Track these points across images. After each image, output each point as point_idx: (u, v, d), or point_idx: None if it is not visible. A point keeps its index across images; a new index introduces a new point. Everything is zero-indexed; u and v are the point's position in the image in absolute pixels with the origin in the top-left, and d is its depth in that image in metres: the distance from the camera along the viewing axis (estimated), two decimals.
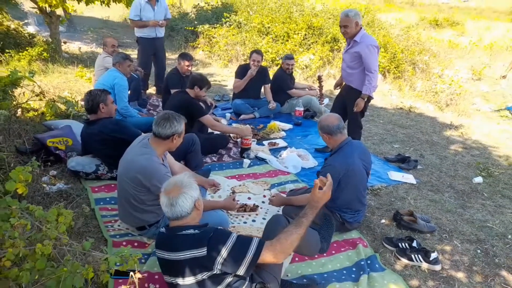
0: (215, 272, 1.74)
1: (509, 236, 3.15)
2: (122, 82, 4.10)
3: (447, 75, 8.32)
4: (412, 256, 2.72)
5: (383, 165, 4.34)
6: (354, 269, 2.60)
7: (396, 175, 4.04)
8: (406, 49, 9.33)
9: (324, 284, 2.41)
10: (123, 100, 4.11)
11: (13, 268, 1.59)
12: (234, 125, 5.02)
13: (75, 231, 2.49)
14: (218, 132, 4.46)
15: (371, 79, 3.67)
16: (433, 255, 2.70)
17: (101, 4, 7.02)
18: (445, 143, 5.38)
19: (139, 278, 1.90)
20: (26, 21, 8.86)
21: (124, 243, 2.53)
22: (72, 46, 9.35)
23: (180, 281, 1.80)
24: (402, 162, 4.40)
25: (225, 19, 9.98)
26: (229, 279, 1.82)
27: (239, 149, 4.27)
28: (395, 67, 8.72)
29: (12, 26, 7.33)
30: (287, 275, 2.48)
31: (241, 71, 5.58)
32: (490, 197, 3.84)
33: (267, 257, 1.78)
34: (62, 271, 1.56)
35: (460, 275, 2.65)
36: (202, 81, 4.09)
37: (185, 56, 4.99)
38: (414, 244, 2.82)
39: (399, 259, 2.75)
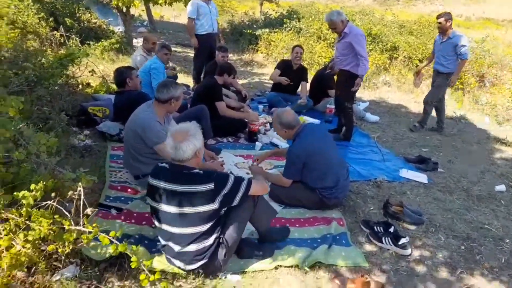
0: (215, 206, 2.03)
1: (507, 241, 2.95)
2: (157, 67, 4.64)
3: None
4: (383, 239, 2.74)
5: (399, 163, 4.27)
6: (319, 240, 2.70)
7: (406, 173, 3.96)
8: (474, 61, 8.75)
9: (280, 246, 2.58)
10: (157, 80, 4.68)
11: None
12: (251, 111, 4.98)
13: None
14: None
15: (364, 62, 4.23)
16: (403, 240, 2.69)
17: (164, 5, 7.88)
18: (486, 154, 5.02)
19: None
20: (111, 19, 10.17)
21: (119, 187, 2.97)
22: None
23: (174, 209, 2.02)
24: (421, 163, 4.27)
25: (285, 24, 10.36)
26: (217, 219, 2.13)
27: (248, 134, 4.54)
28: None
29: (98, 23, 8.56)
30: (252, 235, 2.68)
31: (282, 64, 5.97)
32: (506, 205, 3.58)
33: (254, 191, 2.22)
34: (34, 177, 2.00)
35: (428, 263, 2.60)
36: (230, 69, 4.51)
37: (220, 48, 5.47)
38: (391, 230, 2.83)
39: (371, 241, 2.78)
